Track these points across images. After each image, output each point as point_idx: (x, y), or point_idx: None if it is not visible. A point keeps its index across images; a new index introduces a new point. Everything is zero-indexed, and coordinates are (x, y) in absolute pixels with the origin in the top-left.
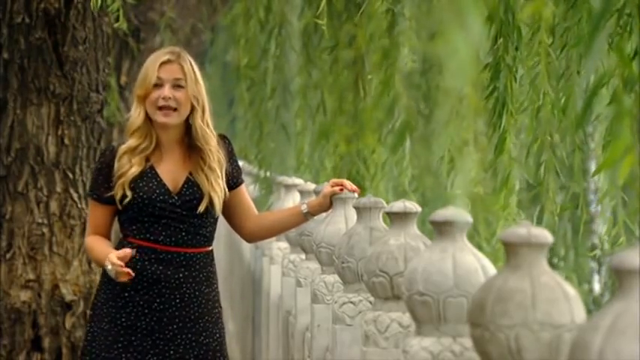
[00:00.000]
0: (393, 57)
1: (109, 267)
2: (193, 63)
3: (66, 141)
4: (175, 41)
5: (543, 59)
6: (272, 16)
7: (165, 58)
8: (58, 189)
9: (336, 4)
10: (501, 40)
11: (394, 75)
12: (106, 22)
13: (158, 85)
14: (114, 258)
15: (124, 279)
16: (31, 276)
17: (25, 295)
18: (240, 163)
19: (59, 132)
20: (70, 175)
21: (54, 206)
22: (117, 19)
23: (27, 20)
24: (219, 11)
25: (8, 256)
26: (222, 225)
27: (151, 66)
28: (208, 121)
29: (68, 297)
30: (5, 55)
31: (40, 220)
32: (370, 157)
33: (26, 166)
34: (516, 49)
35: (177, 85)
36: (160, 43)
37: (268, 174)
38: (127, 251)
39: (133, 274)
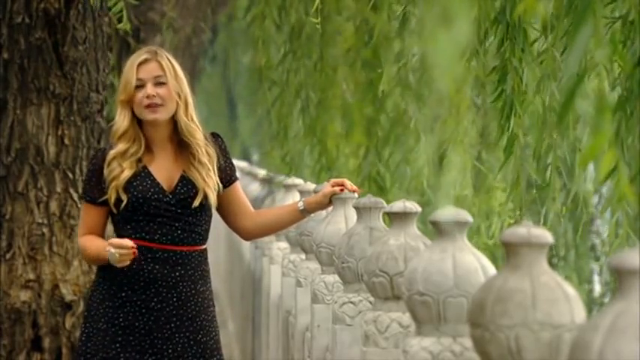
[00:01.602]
0: (405, 57)
1: (112, 250)
2: (171, 59)
3: (66, 141)
4: (176, 41)
5: (531, 55)
6: (287, 16)
7: (142, 58)
8: (58, 189)
9: (333, 3)
10: (508, 42)
11: (406, 75)
12: (106, 22)
13: (140, 86)
14: (117, 241)
15: (127, 261)
16: (31, 276)
17: (25, 295)
18: (244, 164)
19: (59, 132)
20: (70, 175)
21: (54, 206)
22: (119, 20)
23: (27, 20)
24: (219, 11)
25: (8, 256)
26: (222, 225)
27: (130, 69)
28: (192, 115)
29: (68, 297)
30: (5, 55)
31: (40, 220)
32: (384, 158)
33: (26, 166)
34: (522, 50)
35: (158, 83)
36: (160, 43)
37: (291, 176)
38: (128, 241)
39: (137, 253)
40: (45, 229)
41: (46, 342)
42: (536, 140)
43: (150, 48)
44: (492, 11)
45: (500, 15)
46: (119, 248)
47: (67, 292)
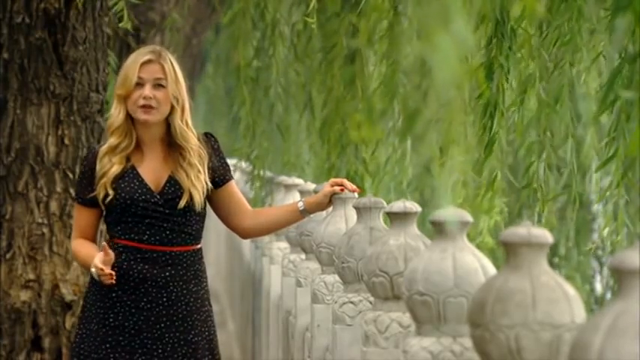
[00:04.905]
0: (395, 53)
1: (93, 270)
2: (174, 62)
3: (66, 141)
4: (175, 41)
5: (526, 51)
6: (268, 14)
7: (146, 58)
8: (58, 189)
9: (329, 3)
10: (495, 40)
11: (396, 71)
12: (106, 22)
13: (139, 84)
14: (98, 262)
15: (108, 282)
16: (31, 276)
17: (25, 295)
18: (244, 163)
19: (59, 132)
20: (70, 175)
21: (54, 206)
22: (119, 20)
23: (27, 20)
24: (219, 11)
25: (8, 256)
26: (223, 225)
27: (132, 66)
28: (188, 121)
29: (68, 297)
30: (5, 55)
31: (40, 220)
32: (371, 156)
33: (26, 166)
34: (509, 48)
35: (158, 85)
36: (160, 43)
37: (262, 172)
38: (110, 254)
39: (114, 277)
40: (45, 229)
41: (46, 342)
42: (521, 138)
43: (154, 48)
44: (483, 9)
45: (489, 12)
46: (100, 270)
47: (67, 292)
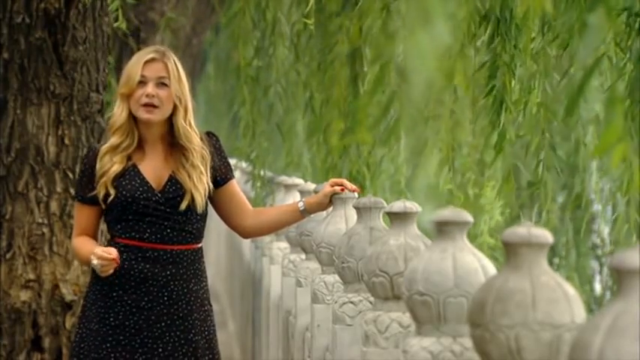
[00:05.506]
0: (389, 53)
1: (95, 261)
2: (177, 62)
3: (66, 141)
4: (175, 41)
5: (527, 50)
6: (268, 13)
7: (150, 56)
8: (58, 189)
9: (328, 3)
10: (498, 38)
11: (389, 71)
12: (106, 22)
13: (142, 82)
14: (100, 252)
15: (109, 271)
16: (31, 276)
17: (25, 295)
18: (245, 163)
19: (59, 132)
20: (70, 175)
21: (54, 206)
22: (116, 19)
23: (27, 20)
24: (219, 11)
25: (8, 256)
26: (223, 225)
27: (135, 64)
28: (191, 121)
29: (68, 297)
30: (5, 55)
31: (40, 220)
32: (368, 155)
33: (26, 166)
34: (514, 46)
35: (161, 84)
36: (160, 43)
37: (262, 172)
38: (113, 250)
39: (119, 262)
40: (45, 229)
41: (46, 342)
42: (528, 137)
43: (158, 48)
44: (483, 8)
45: (489, 11)
46: (101, 259)
47: (67, 292)
